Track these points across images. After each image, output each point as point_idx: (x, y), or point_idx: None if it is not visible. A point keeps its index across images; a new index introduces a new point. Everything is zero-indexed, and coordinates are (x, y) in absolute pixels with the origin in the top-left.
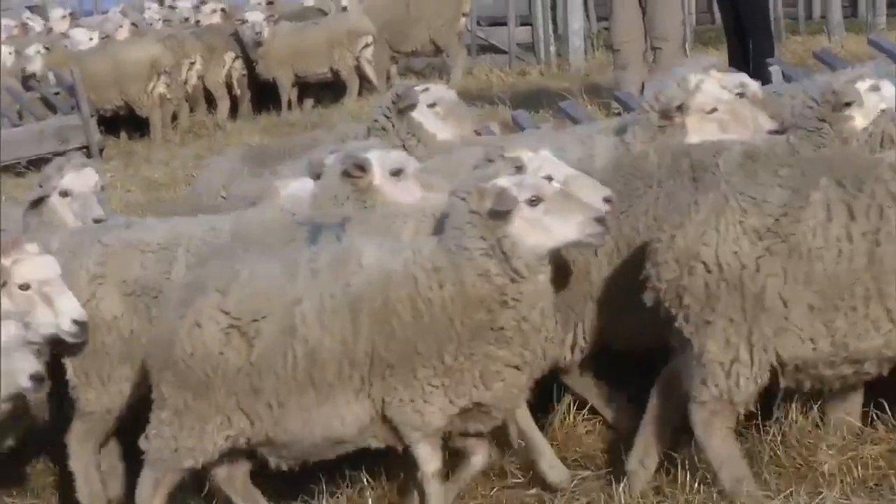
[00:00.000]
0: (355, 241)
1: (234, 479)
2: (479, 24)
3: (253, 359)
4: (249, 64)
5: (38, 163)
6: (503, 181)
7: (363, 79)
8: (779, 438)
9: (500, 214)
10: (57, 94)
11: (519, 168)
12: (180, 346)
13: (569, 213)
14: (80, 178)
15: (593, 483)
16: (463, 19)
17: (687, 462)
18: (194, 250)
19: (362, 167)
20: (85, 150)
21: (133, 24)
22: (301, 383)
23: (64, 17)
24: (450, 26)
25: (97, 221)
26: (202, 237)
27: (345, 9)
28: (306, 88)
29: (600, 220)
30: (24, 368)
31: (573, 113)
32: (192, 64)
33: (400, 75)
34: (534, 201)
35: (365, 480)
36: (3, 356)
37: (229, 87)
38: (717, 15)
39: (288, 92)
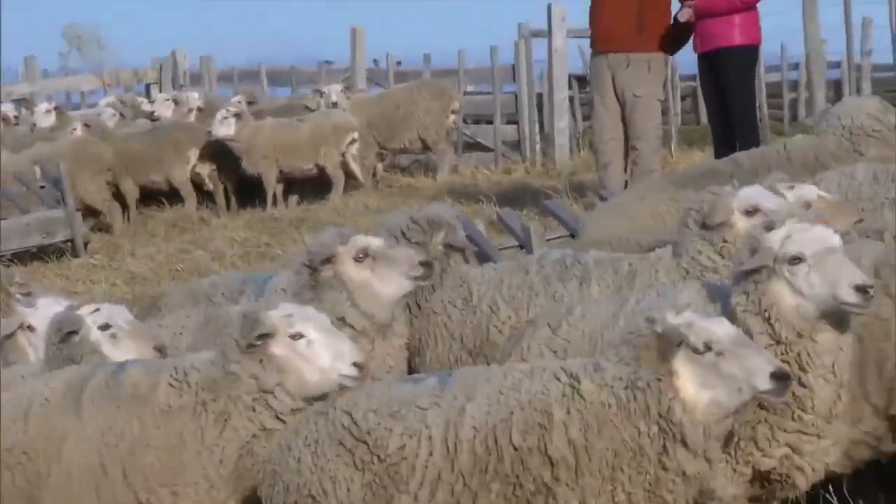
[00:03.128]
0: (679, 286)
1: None
2: (465, 121)
3: None
4: (235, 159)
5: (22, 256)
6: (768, 234)
7: (349, 175)
8: None
9: (758, 269)
10: (42, 187)
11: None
12: None
13: (834, 274)
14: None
15: None
16: (452, 116)
17: None
18: None
19: None
20: (70, 243)
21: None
22: None
23: (48, 111)
24: (439, 124)
25: None
26: None
27: (334, 104)
28: (291, 184)
29: (862, 290)
30: None
31: (558, 211)
32: None
33: (386, 171)
34: (794, 260)
35: None
36: None
37: (199, 183)
38: (702, 115)
39: (273, 187)
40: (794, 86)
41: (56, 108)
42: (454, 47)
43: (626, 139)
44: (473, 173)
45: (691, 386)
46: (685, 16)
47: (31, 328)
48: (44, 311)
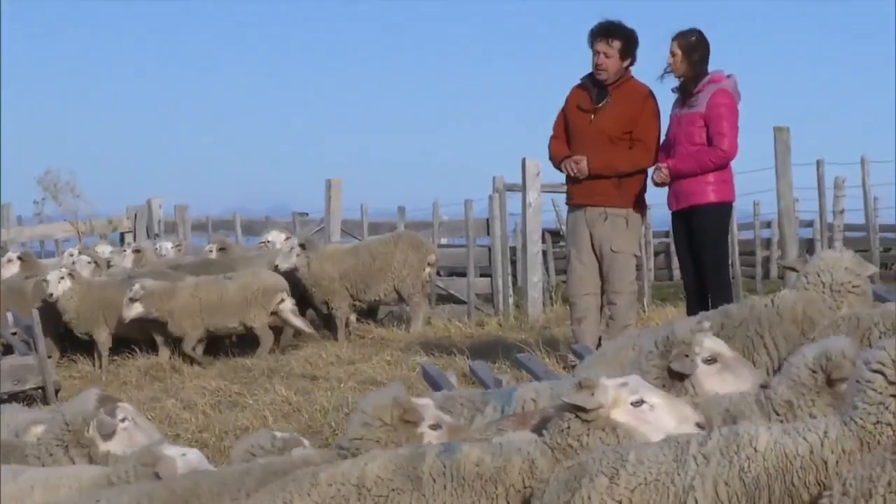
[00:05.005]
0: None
1: None
2: (438, 273)
3: None
4: None
5: None
6: None
7: (295, 329)
8: None
9: None
10: (14, 333)
11: None
12: None
13: None
14: None
15: None
16: (428, 269)
17: None
18: None
19: None
20: (40, 390)
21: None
22: None
23: (10, 260)
24: (415, 276)
25: None
26: None
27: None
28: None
29: None
30: None
31: (530, 365)
32: None
33: (359, 321)
34: None
35: None
36: None
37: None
38: (675, 271)
39: (193, 342)
40: (767, 243)
41: (21, 257)
42: (429, 199)
43: (602, 293)
44: (446, 325)
45: None
46: (660, 178)
47: None
48: None
